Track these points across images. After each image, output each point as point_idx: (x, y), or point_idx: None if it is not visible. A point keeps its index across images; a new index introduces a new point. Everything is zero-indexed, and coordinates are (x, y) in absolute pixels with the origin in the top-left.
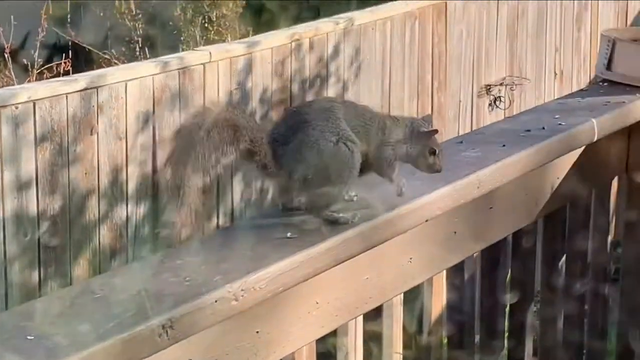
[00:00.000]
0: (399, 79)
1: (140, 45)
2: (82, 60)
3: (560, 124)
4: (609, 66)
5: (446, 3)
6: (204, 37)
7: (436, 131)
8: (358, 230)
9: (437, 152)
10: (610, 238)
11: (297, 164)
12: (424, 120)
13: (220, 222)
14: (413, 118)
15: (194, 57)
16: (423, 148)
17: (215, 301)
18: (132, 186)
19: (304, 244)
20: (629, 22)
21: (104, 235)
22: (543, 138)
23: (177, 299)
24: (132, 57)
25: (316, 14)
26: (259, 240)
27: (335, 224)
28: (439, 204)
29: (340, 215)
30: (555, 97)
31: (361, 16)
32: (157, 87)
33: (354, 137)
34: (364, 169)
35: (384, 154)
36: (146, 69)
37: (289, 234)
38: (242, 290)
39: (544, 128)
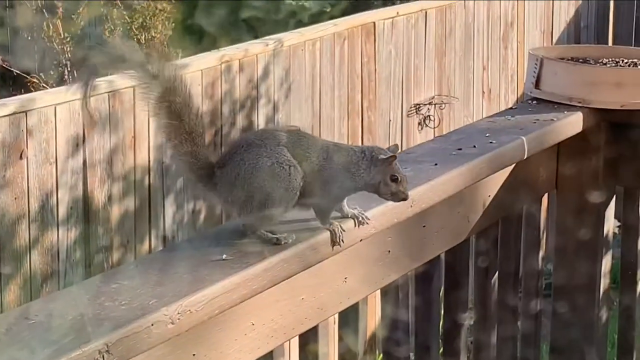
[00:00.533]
0: (329, 99)
1: (69, 69)
2: (10, 85)
3: (491, 142)
4: (537, 85)
5: (375, 23)
6: None
7: (394, 157)
8: (294, 251)
9: (399, 179)
10: (541, 253)
11: (231, 185)
12: (388, 149)
13: (153, 245)
14: (372, 146)
15: (123, 80)
16: (384, 176)
17: (152, 325)
18: (62, 210)
19: (240, 265)
20: (554, 40)
21: (35, 261)
22: (474, 156)
23: (113, 324)
24: (61, 81)
25: (248, 34)
26: (195, 262)
27: (270, 244)
28: (373, 223)
29: (276, 235)
30: (484, 115)
31: (290, 37)
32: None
33: (295, 162)
34: (309, 197)
35: (328, 195)
36: (76, 92)
37: (224, 256)
38: (178, 313)
39: (475, 146)
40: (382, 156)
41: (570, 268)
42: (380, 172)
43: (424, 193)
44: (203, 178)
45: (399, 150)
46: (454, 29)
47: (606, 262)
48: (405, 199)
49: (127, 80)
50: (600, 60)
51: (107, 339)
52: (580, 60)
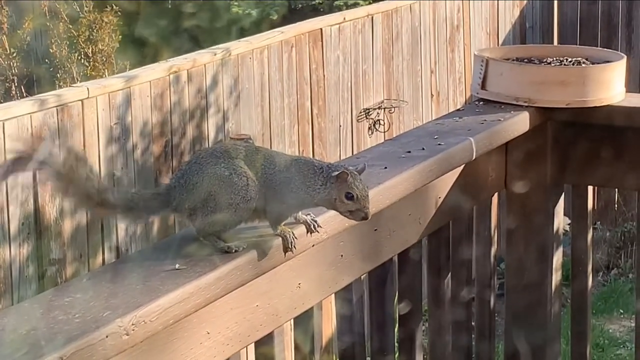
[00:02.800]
0: (279, 106)
1: (16, 84)
2: None
3: (439, 144)
4: (483, 85)
5: (322, 30)
6: (81, 73)
7: (346, 174)
8: (247, 259)
9: (354, 196)
10: (493, 252)
11: (189, 195)
12: (355, 167)
13: (106, 257)
14: (334, 163)
15: (71, 93)
16: (339, 193)
17: (106, 336)
18: (14, 226)
19: (193, 274)
20: (500, 41)
21: None
22: (423, 159)
23: (67, 337)
24: (8, 96)
25: (195, 45)
26: (148, 273)
27: (222, 252)
28: (325, 228)
29: (228, 244)
30: (433, 118)
31: (238, 46)
32: (35, 125)
33: (251, 175)
34: (264, 207)
35: (279, 205)
36: (23, 107)
37: (177, 265)
38: (132, 324)
39: (423, 149)
40: (335, 172)
41: (521, 266)
42: (335, 189)
43: (375, 197)
44: (158, 207)
45: (364, 167)
46: (401, 33)
47: (557, 259)
48: (365, 218)
49: (75, 94)
50: (544, 60)
51: (62, 353)
52: (525, 60)
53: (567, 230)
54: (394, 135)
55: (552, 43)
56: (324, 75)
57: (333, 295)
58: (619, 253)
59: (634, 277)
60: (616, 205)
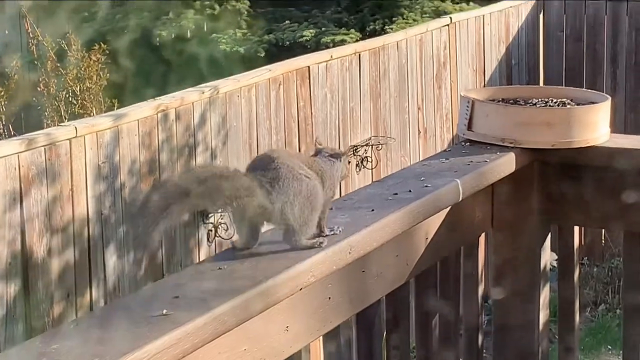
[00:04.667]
0: (267, 144)
1: (3, 123)
2: None
3: (426, 186)
4: (469, 126)
5: (309, 67)
6: (69, 111)
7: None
8: (232, 304)
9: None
10: (480, 291)
11: (294, 212)
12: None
13: (94, 297)
14: (323, 151)
15: (59, 132)
16: (344, 169)
17: None
18: (1, 266)
19: (180, 320)
20: (486, 78)
21: None
22: (410, 201)
23: None
24: None
25: (183, 83)
26: (135, 319)
27: (311, 248)
28: (312, 271)
29: (313, 240)
30: (421, 155)
31: (226, 84)
32: (23, 164)
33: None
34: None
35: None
36: (11, 147)
37: (164, 311)
38: None
39: (410, 191)
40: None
41: (509, 305)
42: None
43: (362, 239)
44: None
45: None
46: (388, 70)
47: (544, 297)
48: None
49: (64, 132)
50: (530, 101)
51: None
52: (511, 101)
53: (554, 266)
54: (382, 173)
55: (538, 80)
56: (311, 113)
57: (321, 338)
58: (607, 289)
59: (621, 313)
60: (603, 241)
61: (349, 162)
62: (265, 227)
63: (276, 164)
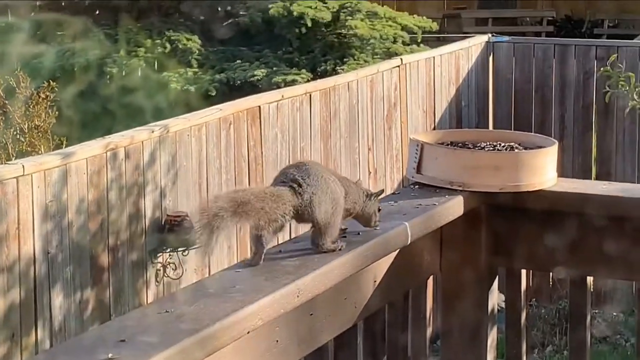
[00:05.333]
0: (217, 183)
1: None
2: None
3: (375, 229)
4: (418, 169)
5: (260, 107)
6: (17, 149)
7: (383, 190)
8: (178, 348)
9: (381, 209)
10: (428, 334)
11: (316, 195)
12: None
13: (39, 337)
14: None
15: (7, 170)
16: (372, 207)
17: None
18: None
19: None
20: (436, 119)
21: None
22: (359, 244)
23: None
24: None
25: (133, 122)
26: None
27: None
28: (260, 315)
29: (335, 245)
30: None
31: (176, 123)
32: None
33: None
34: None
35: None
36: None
37: (110, 355)
38: None
39: (359, 234)
40: (373, 191)
41: (457, 346)
42: (371, 204)
43: (311, 282)
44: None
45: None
46: (339, 110)
47: (492, 340)
48: (378, 226)
49: (11, 170)
50: (478, 144)
51: None
52: (460, 144)
53: (502, 308)
54: None
55: (487, 121)
56: (262, 153)
57: None
58: (554, 330)
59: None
60: (551, 283)
61: (379, 210)
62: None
63: (308, 166)
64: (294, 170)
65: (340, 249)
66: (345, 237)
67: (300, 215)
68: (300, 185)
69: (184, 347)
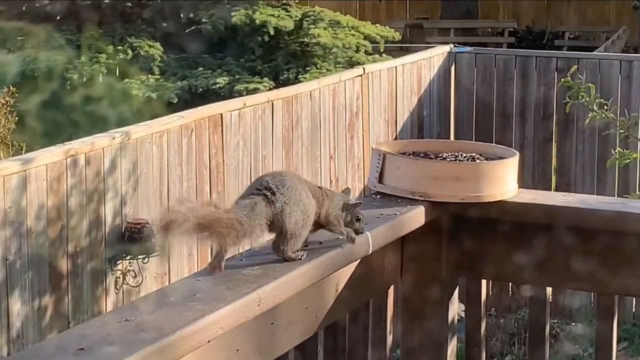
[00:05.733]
0: (178, 191)
1: None
2: None
3: (337, 238)
4: (380, 179)
5: (222, 115)
6: None
7: (361, 203)
8: (138, 357)
9: (361, 218)
10: (389, 342)
11: (291, 218)
12: (346, 193)
13: None
14: (340, 193)
15: None
16: (352, 216)
17: None
18: None
19: None
20: (398, 129)
21: None
22: (320, 253)
23: None
24: None
25: (94, 128)
26: None
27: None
28: (221, 324)
29: (297, 254)
30: None
31: (137, 130)
32: None
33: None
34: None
35: (333, 216)
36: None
37: None
38: None
39: (321, 243)
40: (352, 201)
41: (417, 356)
42: (351, 213)
43: (272, 291)
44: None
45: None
46: (301, 119)
47: (452, 349)
48: (362, 233)
49: None
50: (440, 155)
51: None
52: (422, 154)
53: (462, 317)
54: None
55: (449, 131)
56: (223, 160)
57: None
58: (513, 340)
59: None
60: (510, 293)
61: (357, 219)
62: None
63: (283, 176)
64: (269, 179)
65: (300, 259)
66: (307, 246)
67: (271, 225)
68: (273, 194)
69: (144, 356)
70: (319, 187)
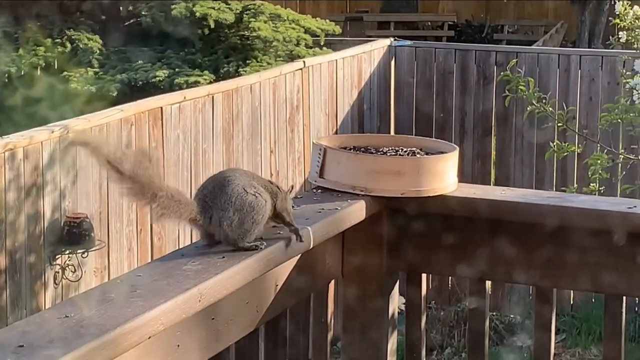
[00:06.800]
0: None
1: None
2: None
3: (279, 233)
4: (321, 174)
5: (162, 108)
6: None
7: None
8: (77, 354)
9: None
10: (330, 336)
11: (225, 214)
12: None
13: None
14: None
15: None
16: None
17: None
18: None
19: None
20: (339, 122)
21: None
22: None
23: None
24: None
25: (31, 122)
26: None
27: (255, 249)
28: (162, 319)
29: (252, 243)
30: None
31: (77, 123)
32: None
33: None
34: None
35: (287, 206)
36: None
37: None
38: None
39: (262, 238)
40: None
41: (357, 349)
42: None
43: (213, 287)
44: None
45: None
46: (241, 112)
47: (392, 343)
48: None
49: None
50: (381, 149)
51: None
52: (362, 149)
53: (402, 310)
54: None
55: (389, 125)
56: (163, 154)
57: None
58: (453, 332)
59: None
60: (450, 285)
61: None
62: None
63: (225, 182)
64: (207, 192)
65: (257, 248)
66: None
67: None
68: (209, 208)
69: (84, 353)
70: (269, 182)
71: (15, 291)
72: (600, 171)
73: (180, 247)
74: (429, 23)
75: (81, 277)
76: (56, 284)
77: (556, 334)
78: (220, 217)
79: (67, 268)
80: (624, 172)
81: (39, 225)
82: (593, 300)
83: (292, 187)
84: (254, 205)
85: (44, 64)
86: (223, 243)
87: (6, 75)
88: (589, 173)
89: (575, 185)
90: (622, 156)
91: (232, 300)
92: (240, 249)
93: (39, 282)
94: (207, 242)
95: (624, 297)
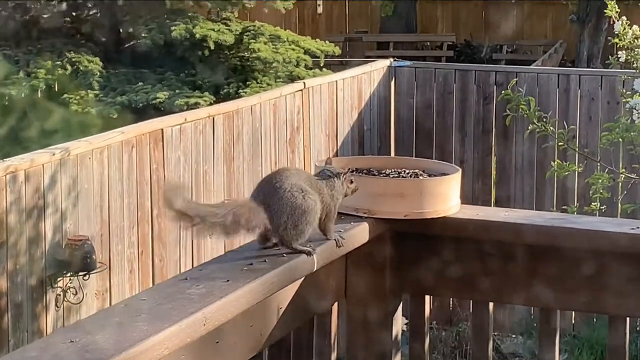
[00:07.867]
0: (119, 206)
1: None
2: None
3: (282, 256)
4: None
5: (163, 130)
6: None
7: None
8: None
9: (352, 181)
10: (334, 357)
11: (280, 219)
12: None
13: None
14: (324, 170)
15: None
16: (345, 184)
17: None
18: None
19: None
20: (339, 143)
21: None
22: (265, 271)
23: None
24: None
25: (33, 144)
26: None
27: (302, 253)
28: (166, 344)
29: (305, 247)
30: None
31: (77, 146)
32: None
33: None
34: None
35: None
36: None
37: None
38: None
39: (265, 261)
40: (338, 171)
41: None
42: (343, 181)
43: (217, 311)
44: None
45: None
46: (242, 133)
47: None
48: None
49: None
50: (383, 171)
51: None
52: (365, 171)
53: (405, 330)
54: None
55: (390, 145)
56: (164, 176)
57: None
58: (455, 353)
59: None
60: (451, 306)
61: (351, 182)
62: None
63: (278, 185)
64: (264, 196)
65: (310, 252)
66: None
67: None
68: (270, 212)
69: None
70: (315, 178)
71: (16, 314)
72: (601, 190)
73: (182, 268)
74: (428, 43)
75: (82, 299)
76: (57, 307)
77: (559, 354)
78: (276, 222)
79: (68, 290)
80: (625, 192)
81: (40, 247)
82: (594, 320)
83: (349, 169)
84: (305, 208)
85: (44, 87)
86: (278, 244)
87: (7, 97)
88: (590, 192)
89: (576, 204)
90: (623, 175)
91: (237, 323)
92: (295, 251)
93: (40, 305)
94: (262, 244)
95: (628, 318)
